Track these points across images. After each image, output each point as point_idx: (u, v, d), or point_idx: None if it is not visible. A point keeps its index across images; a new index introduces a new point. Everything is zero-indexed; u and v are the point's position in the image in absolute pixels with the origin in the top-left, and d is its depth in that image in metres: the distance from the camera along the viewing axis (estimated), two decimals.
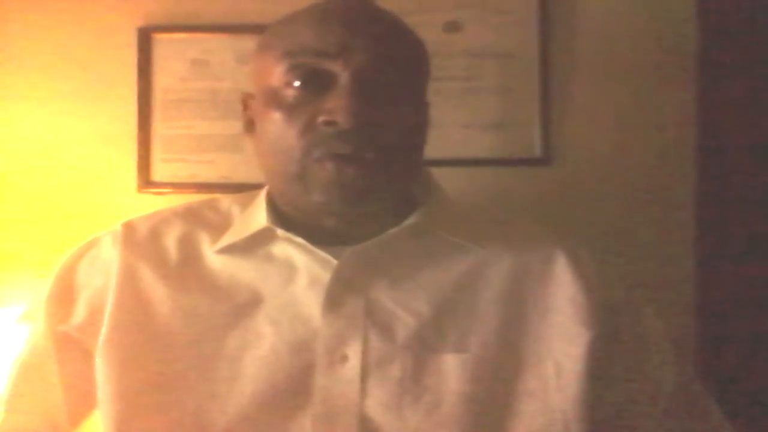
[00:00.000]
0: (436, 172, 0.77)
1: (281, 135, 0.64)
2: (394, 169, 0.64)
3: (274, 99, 0.65)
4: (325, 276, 0.65)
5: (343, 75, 0.62)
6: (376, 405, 0.62)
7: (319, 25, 0.64)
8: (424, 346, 0.64)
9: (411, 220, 0.67)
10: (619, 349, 0.67)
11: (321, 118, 0.62)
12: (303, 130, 0.63)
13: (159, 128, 1.02)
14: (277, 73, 0.65)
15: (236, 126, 0.75)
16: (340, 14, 0.65)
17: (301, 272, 0.67)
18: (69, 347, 0.70)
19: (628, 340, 0.68)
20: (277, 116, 0.64)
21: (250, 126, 0.71)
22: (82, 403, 0.71)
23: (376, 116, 0.62)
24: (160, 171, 1.02)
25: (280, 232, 0.67)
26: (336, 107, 0.61)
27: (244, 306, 0.66)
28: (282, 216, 0.69)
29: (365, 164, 0.62)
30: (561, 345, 0.65)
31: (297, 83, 0.64)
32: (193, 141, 1.02)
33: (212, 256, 0.70)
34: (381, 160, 0.63)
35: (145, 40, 1.01)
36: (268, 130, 0.65)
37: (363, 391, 0.62)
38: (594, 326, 0.65)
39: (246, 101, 0.72)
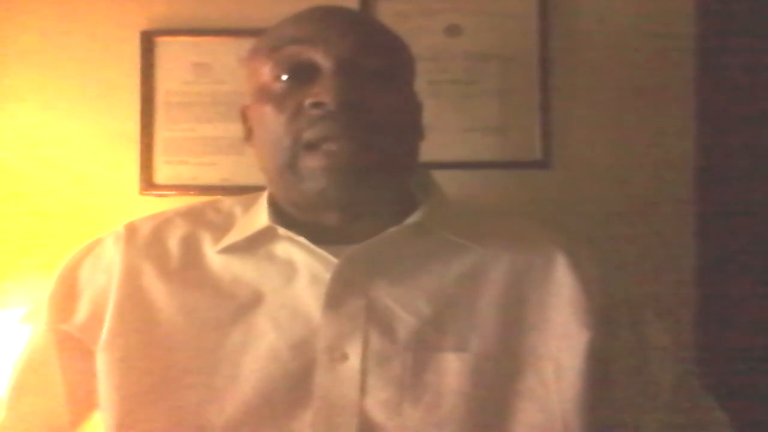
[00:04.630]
0: (437, 175, 0.78)
1: (272, 125, 0.65)
2: (383, 151, 0.65)
3: (264, 94, 0.67)
4: (326, 275, 0.66)
5: (325, 63, 0.64)
6: (376, 403, 0.62)
7: (299, 20, 0.68)
8: (425, 345, 0.64)
9: (412, 219, 0.68)
10: (618, 350, 0.67)
11: (308, 101, 0.64)
12: (292, 117, 0.64)
13: (161, 131, 1.02)
14: (265, 71, 0.67)
15: (238, 129, 0.76)
16: (318, 11, 0.68)
17: (301, 271, 0.68)
18: (71, 347, 0.70)
19: (627, 340, 0.68)
20: (267, 109, 0.66)
21: (249, 135, 0.72)
22: (83, 402, 0.71)
23: (362, 97, 0.63)
24: (162, 173, 1.02)
25: (281, 230, 0.68)
26: (322, 90, 0.63)
27: (245, 305, 0.67)
28: (284, 216, 0.70)
29: (354, 148, 0.63)
30: (561, 345, 0.65)
31: (284, 77, 0.66)
32: (196, 143, 1.02)
33: (214, 256, 0.70)
34: (370, 141, 0.64)
35: (147, 43, 1.02)
36: (261, 126, 0.68)
37: (363, 390, 0.62)
38: (593, 326, 0.65)
39: (244, 112, 0.73)
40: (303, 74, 0.65)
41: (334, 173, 0.63)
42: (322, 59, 0.64)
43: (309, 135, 0.64)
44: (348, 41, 0.65)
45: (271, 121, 0.66)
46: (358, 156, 0.63)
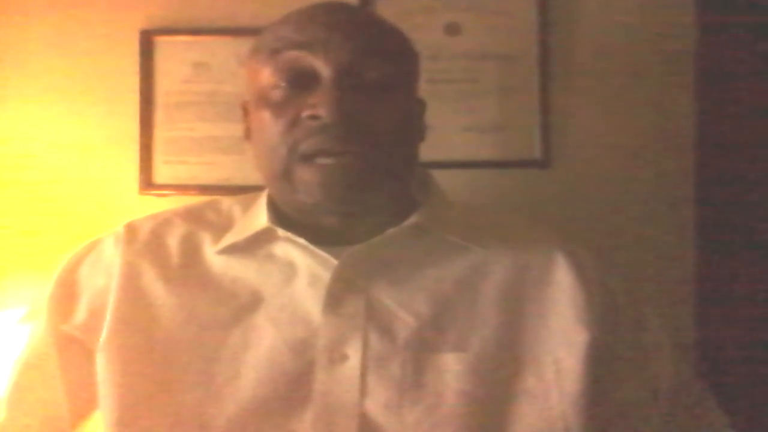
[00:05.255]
0: (436, 175, 0.78)
1: (269, 133, 0.65)
2: (383, 162, 0.65)
3: (262, 99, 0.66)
4: (326, 276, 0.65)
5: (325, 71, 0.63)
6: (375, 404, 0.62)
7: (300, 22, 0.66)
8: (424, 345, 0.64)
9: (411, 220, 0.68)
10: (618, 350, 0.67)
11: (305, 113, 0.63)
12: (289, 126, 0.64)
13: (161, 130, 1.02)
14: (265, 75, 0.66)
15: (237, 128, 0.76)
16: (320, 12, 0.67)
17: (301, 272, 0.67)
18: (70, 347, 0.70)
19: (627, 340, 0.68)
20: (265, 115, 0.65)
21: (249, 132, 0.72)
22: (83, 402, 0.71)
23: (360, 109, 0.63)
24: (161, 173, 1.02)
25: (280, 232, 0.68)
26: (320, 102, 0.62)
27: (245, 306, 0.67)
28: (283, 216, 0.70)
29: (351, 162, 0.63)
30: (561, 345, 0.65)
31: (283, 84, 0.65)
32: (195, 143, 1.02)
33: (213, 257, 0.70)
34: (368, 153, 0.63)
35: (147, 42, 1.02)
36: (258, 131, 0.67)
37: (363, 391, 0.62)
38: (593, 327, 0.65)
39: (246, 108, 0.73)
40: (302, 81, 0.64)
41: (328, 188, 0.63)
42: (322, 66, 0.63)
43: (305, 147, 0.63)
44: (350, 47, 0.64)
45: (268, 127, 0.65)
46: (354, 168, 0.63)
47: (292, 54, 0.65)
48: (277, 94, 0.65)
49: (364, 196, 0.64)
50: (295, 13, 0.68)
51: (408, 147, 0.70)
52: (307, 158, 0.63)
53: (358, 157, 0.63)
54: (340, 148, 0.63)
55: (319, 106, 0.62)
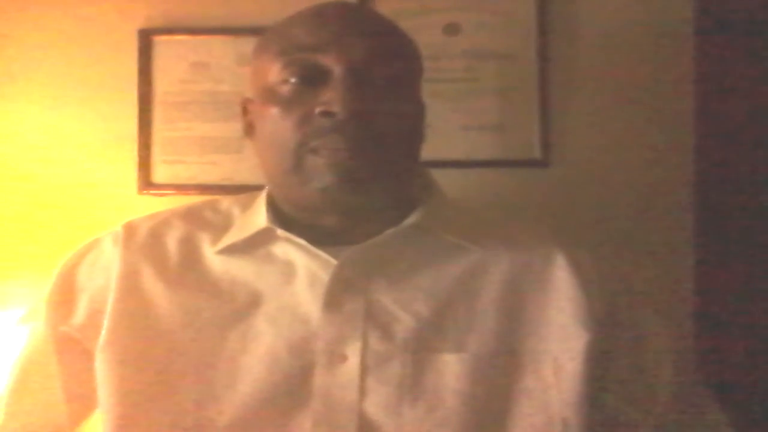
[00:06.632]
0: (436, 174, 0.78)
1: (278, 129, 0.65)
2: (390, 160, 0.65)
3: (271, 96, 0.66)
4: (325, 276, 0.65)
5: (337, 69, 0.63)
6: (375, 405, 0.62)
7: (312, 23, 0.66)
8: (423, 346, 0.64)
9: (410, 221, 0.68)
10: (618, 350, 0.67)
11: (318, 109, 0.63)
12: (299, 123, 0.64)
13: (159, 130, 1.02)
14: (273, 72, 0.66)
15: (236, 128, 0.76)
16: (331, 13, 0.67)
17: (300, 272, 0.67)
18: (70, 348, 0.70)
19: (627, 340, 0.68)
20: (274, 111, 0.65)
21: (249, 129, 0.72)
22: (82, 403, 0.71)
23: (370, 108, 0.63)
24: (160, 173, 1.02)
25: (280, 232, 0.68)
26: (332, 99, 0.62)
27: (244, 306, 0.67)
28: (282, 217, 0.70)
29: (360, 153, 0.63)
30: (560, 346, 0.65)
31: (293, 79, 0.65)
32: (194, 143, 1.02)
33: (212, 257, 0.70)
34: (376, 150, 0.63)
35: (145, 42, 1.02)
36: (265, 126, 0.67)
37: (362, 391, 0.62)
38: (592, 327, 0.65)
39: (245, 106, 0.73)
40: (312, 78, 0.64)
41: (339, 172, 0.62)
42: (333, 64, 0.63)
43: (315, 144, 0.63)
44: (360, 46, 0.64)
45: (276, 123, 0.65)
46: (362, 162, 0.63)
47: (303, 55, 0.64)
48: (286, 90, 0.65)
49: (370, 191, 0.64)
50: (303, 14, 0.68)
51: (412, 148, 0.70)
52: (318, 150, 0.63)
53: (368, 155, 0.63)
54: (351, 147, 0.62)
55: (332, 103, 0.62)
